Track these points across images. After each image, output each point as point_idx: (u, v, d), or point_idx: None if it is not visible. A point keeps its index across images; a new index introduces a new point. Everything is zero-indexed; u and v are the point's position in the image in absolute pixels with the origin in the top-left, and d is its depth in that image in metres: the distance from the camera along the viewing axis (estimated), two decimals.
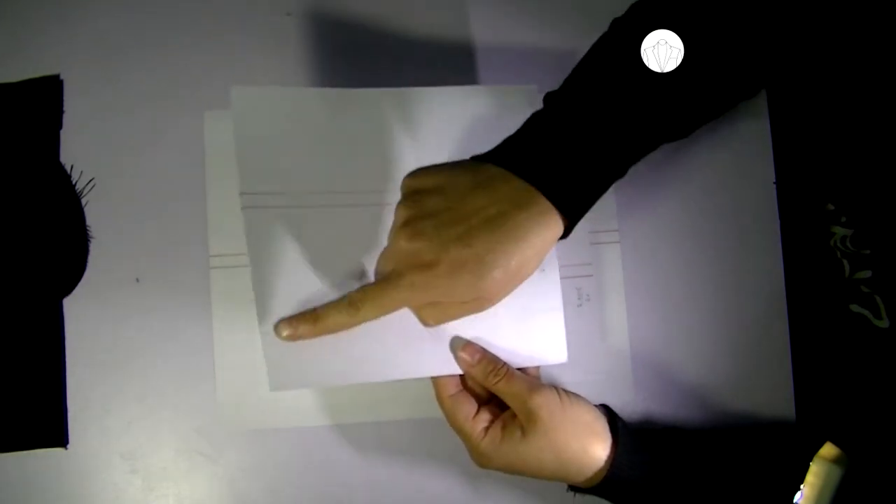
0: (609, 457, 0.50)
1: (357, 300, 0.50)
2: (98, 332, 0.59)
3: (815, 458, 0.49)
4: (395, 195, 0.53)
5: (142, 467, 0.58)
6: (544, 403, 0.49)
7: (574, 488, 0.52)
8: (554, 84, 0.54)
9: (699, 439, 0.59)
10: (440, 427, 0.54)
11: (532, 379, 0.52)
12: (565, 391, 0.51)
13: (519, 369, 0.53)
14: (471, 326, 0.53)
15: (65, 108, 0.61)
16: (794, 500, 0.48)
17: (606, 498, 0.51)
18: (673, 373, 0.60)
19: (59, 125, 0.61)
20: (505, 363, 0.52)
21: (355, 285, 0.52)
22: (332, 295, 0.52)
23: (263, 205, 0.53)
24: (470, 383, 0.53)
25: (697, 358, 0.61)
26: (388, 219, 0.53)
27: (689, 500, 0.50)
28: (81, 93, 0.61)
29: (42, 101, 0.61)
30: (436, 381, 0.53)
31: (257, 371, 0.59)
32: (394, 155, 0.55)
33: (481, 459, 0.51)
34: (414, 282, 0.48)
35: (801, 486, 0.48)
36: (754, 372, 0.61)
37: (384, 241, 0.52)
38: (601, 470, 0.49)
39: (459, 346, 0.52)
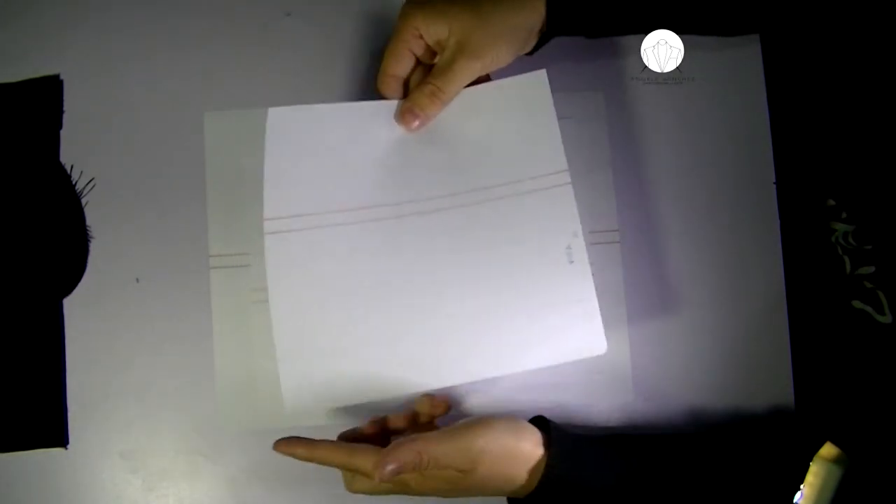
0: (540, 463, 0.49)
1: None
2: (98, 332, 0.59)
3: (815, 458, 0.49)
4: (422, 205, 0.53)
5: (142, 467, 0.58)
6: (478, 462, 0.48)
7: (513, 501, 0.52)
8: (560, 72, 0.56)
9: (695, 440, 0.58)
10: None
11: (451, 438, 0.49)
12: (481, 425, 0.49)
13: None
14: (500, 328, 0.53)
15: (65, 108, 0.61)
16: (794, 500, 0.48)
17: None
18: (672, 372, 0.60)
19: (59, 125, 0.61)
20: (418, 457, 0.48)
21: (377, 301, 0.53)
22: (353, 312, 0.53)
23: (286, 229, 0.53)
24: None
25: (697, 358, 0.61)
26: (407, 230, 0.54)
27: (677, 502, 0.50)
28: (81, 93, 0.61)
29: (42, 101, 0.61)
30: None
31: (257, 371, 0.59)
32: (418, 164, 0.55)
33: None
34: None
35: (801, 486, 0.48)
36: (754, 371, 0.61)
37: (404, 253, 0.53)
38: (531, 480, 0.49)
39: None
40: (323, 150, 0.55)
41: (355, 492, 0.52)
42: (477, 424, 0.49)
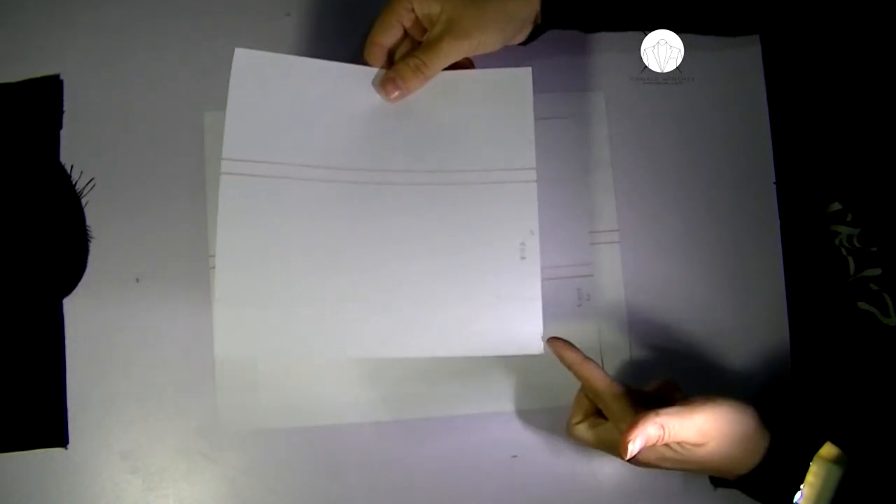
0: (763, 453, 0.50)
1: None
2: (98, 332, 0.59)
3: (815, 458, 0.49)
4: (385, 175, 0.53)
5: (142, 467, 0.58)
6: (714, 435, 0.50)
7: (716, 482, 0.53)
8: (560, 72, 0.56)
9: None
10: (439, 427, 0.54)
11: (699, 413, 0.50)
12: (727, 407, 0.51)
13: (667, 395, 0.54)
14: (442, 310, 0.53)
15: (65, 108, 0.61)
16: (795, 501, 0.48)
17: (745, 491, 0.52)
18: (673, 374, 0.60)
19: (59, 125, 0.61)
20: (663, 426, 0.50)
21: (325, 262, 0.52)
22: (300, 269, 0.52)
23: (244, 172, 0.53)
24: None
25: (697, 358, 0.61)
26: (366, 198, 0.53)
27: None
28: (81, 93, 0.61)
29: (42, 101, 0.61)
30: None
31: (257, 371, 0.59)
32: (388, 136, 0.55)
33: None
34: None
35: (801, 486, 0.48)
36: (755, 372, 0.61)
37: (360, 220, 0.53)
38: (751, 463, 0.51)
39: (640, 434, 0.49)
40: (293, 102, 0.54)
41: (574, 436, 0.55)
42: (709, 401, 0.50)
